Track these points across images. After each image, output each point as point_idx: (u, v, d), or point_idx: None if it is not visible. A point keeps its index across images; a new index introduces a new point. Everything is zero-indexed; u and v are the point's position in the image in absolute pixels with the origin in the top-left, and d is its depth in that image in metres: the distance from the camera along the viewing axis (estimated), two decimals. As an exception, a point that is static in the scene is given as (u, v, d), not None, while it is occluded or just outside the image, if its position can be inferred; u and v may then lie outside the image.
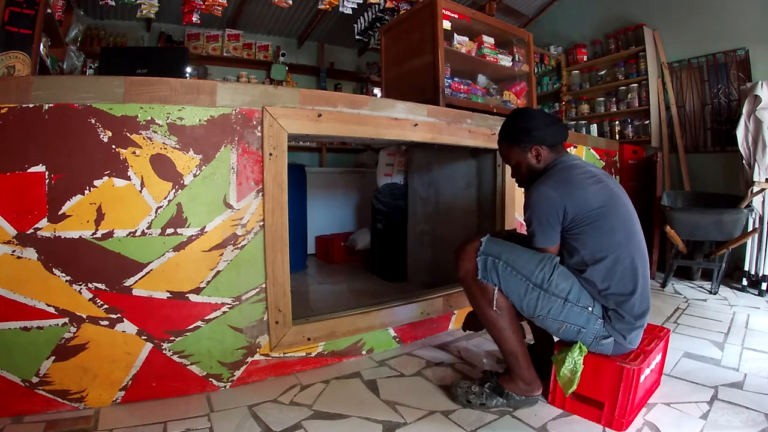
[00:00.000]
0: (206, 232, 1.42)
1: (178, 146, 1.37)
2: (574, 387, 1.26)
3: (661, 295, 2.74)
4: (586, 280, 1.27)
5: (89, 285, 1.29)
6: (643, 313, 1.28)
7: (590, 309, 1.26)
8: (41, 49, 2.42)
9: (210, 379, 1.47)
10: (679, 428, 1.26)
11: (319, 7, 3.46)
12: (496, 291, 1.29)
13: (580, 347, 1.28)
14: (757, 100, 2.74)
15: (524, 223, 1.34)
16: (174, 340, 1.40)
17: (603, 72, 4.15)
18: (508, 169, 1.55)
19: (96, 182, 1.28)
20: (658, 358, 1.47)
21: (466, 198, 2.54)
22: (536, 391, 1.38)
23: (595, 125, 4.15)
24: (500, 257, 1.28)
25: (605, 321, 1.27)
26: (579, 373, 1.26)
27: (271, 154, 1.50)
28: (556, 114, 4.55)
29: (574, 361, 1.27)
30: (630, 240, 1.28)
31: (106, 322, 1.32)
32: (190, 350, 1.42)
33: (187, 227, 1.39)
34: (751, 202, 2.75)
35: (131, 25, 4.12)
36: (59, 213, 1.25)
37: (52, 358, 1.28)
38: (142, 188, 1.33)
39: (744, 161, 2.85)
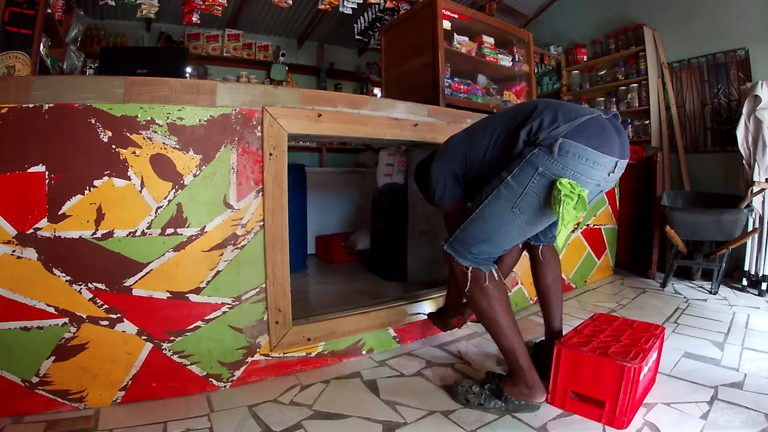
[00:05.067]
0: (206, 232, 1.42)
1: (178, 146, 1.37)
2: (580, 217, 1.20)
3: (661, 295, 2.73)
4: (503, 156, 1.32)
5: (89, 285, 1.29)
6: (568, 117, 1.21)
7: (539, 169, 1.20)
8: (41, 49, 2.42)
9: (210, 379, 1.47)
10: (679, 428, 1.26)
11: (319, 7, 3.46)
12: (470, 269, 1.35)
13: (564, 184, 1.17)
14: (757, 100, 2.74)
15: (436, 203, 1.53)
16: (174, 340, 1.40)
17: (603, 72, 4.15)
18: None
19: (96, 182, 1.28)
20: (655, 355, 1.47)
21: (466, 198, 2.54)
22: (539, 398, 1.32)
23: (595, 125, 4.14)
24: (466, 239, 1.35)
25: (551, 156, 1.18)
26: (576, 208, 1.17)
27: (271, 154, 1.50)
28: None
29: (574, 196, 1.17)
30: (497, 114, 1.44)
31: (106, 322, 1.32)
32: (190, 350, 1.42)
33: (187, 227, 1.39)
34: (751, 202, 2.75)
35: (131, 25, 4.12)
36: (59, 213, 1.25)
37: (52, 358, 1.28)
38: (142, 188, 1.33)
39: (744, 161, 2.85)
